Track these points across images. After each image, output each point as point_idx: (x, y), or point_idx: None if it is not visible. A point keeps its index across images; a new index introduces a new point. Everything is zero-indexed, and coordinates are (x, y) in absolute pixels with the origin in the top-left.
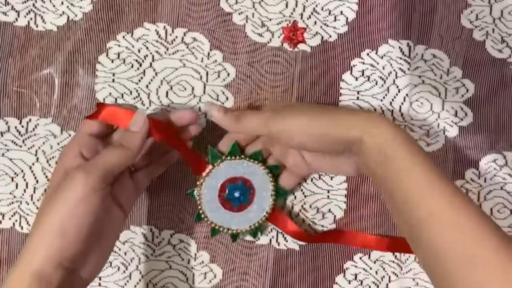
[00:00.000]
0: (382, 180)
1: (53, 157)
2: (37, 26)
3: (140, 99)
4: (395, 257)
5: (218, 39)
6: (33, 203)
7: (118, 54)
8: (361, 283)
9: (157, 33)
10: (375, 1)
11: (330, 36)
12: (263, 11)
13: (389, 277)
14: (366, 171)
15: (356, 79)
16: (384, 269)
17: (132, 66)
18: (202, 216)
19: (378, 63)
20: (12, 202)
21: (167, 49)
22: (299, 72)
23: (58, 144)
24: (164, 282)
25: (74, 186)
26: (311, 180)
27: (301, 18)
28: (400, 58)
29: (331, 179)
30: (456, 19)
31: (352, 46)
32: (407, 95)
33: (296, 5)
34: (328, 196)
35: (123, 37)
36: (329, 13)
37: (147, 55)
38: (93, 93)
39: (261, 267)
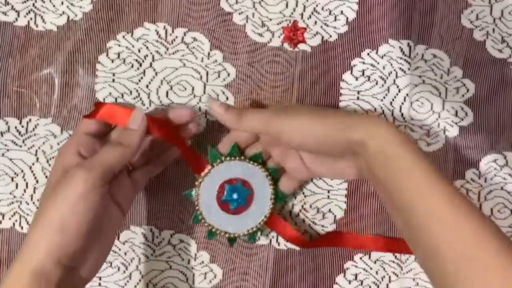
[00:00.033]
0: (383, 181)
1: (53, 157)
2: (37, 26)
3: (140, 99)
4: (395, 257)
5: (218, 39)
6: (33, 203)
7: (118, 54)
8: (361, 283)
9: (157, 33)
10: (375, 0)
11: (331, 36)
12: (263, 11)
13: (389, 277)
14: (367, 174)
15: (357, 79)
16: (384, 269)
17: (132, 66)
18: (200, 217)
19: (378, 63)
20: (12, 202)
21: (167, 49)
22: (299, 72)
23: (58, 144)
24: (164, 282)
25: (74, 184)
26: (311, 180)
27: (302, 18)
28: (401, 58)
29: (331, 179)
30: (456, 19)
31: (352, 46)
32: (407, 95)
33: (297, 5)
34: (328, 196)
35: (123, 37)
36: (330, 13)
37: (147, 55)
38: (93, 93)
39: (261, 267)
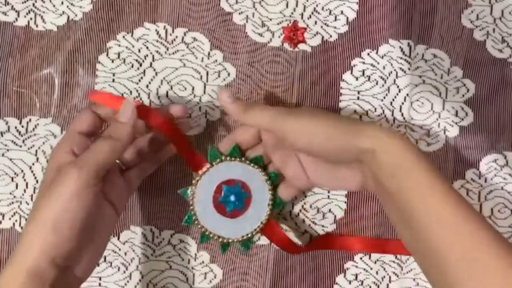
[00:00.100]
0: (390, 190)
1: None
2: (37, 26)
3: (140, 99)
4: (396, 257)
5: (219, 39)
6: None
7: (118, 54)
8: (362, 283)
9: (157, 33)
10: (376, 1)
11: (331, 36)
12: (264, 11)
13: (390, 277)
14: (372, 183)
15: (357, 79)
16: (384, 269)
17: (132, 66)
18: (193, 218)
19: (378, 63)
20: (12, 202)
21: (167, 49)
22: (300, 72)
23: None
24: (164, 282)
25: (67, 182)
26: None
27: (302, 18)
28: (401, 58)
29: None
30: (456, 19)
31: (352, 46)
32: (407, 95)
33: (297, 5)
34: (328, 196)
35: (123, 37)
36: (330, 13)
37: (147, 55)
38: None
39: (261, 267)
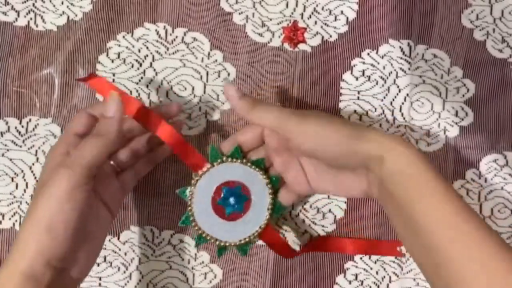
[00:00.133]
0: (397, 198)
1: None
2: (37, 26)
3: (141, 99)
4: (396, 257)
5: (218, 39)
6: None
7: (118, 54)
8: (362, 283)
9: (157, 33)
10: (376, 1)
11: (331, 36)
12: (264, 11)
13: (390, 277)
14: (378, 190)
15: (357, 79)
16: (384, 269)
17: (132, 66)
18: (191, 219)
19: (378, 63)
20: (12, 202)
21: (167, 49)
22: (300, 72)
23: None
24: (165, 282)
25: (58, 182)
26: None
27: (302, 18)
28: (401, 58)
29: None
30: (456, 19)
31: (352, 46)
32: (407, 95)
33: (297, 5)
34: (328, 196)
35: (123, 37)
36: (330, 13)
37: (147, 55)
38: (93, 93)
39: (261, 268)
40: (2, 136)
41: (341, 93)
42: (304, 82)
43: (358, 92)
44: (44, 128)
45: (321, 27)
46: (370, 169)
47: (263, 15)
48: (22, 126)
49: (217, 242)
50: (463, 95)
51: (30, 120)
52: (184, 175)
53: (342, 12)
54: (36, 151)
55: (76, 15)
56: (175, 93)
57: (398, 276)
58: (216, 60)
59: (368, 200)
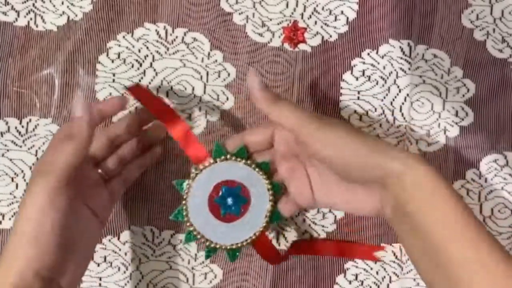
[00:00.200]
0: (415, 219)
1: None
2: (37, 26)
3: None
4: (396, 257)
5: (219, 39)
6: None
7: (119, 54)
8: (362, 284)
9: (157, 33)
10: (376, 1)
11: (331, 36)
12: (264, 11)
13: (390, 277)
14: (391, 211)
15: (357, 79)
16: (385, 269)
17: (132, 66)
18: (184, 213)
19: (378, 63)
20: (12, 203)
21: (168, 49)
22: (300, 72)
23: None
24: (165, 282)
25: (36, 191)
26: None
27: (302, 18)
28: (401, 58)
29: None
30: (456, 19)
31: (352, 46)
32: (407, 95)
33: (297, 5)
34: None
35: (123, 37)
36: (330, 13)
37: (147, 55)
38: (93, 93)
39: (262, 268)
40: (2, 136)
41: (341, 93)
42: (304, 82)
43: (358, 92)
44: (44, 129)
45: (321, 27)
46: (387, 186)
47: (263, 15)
48: (22, 126)
49: (207, 243)
50: (463, 95)
51: (30, 120)
52: (184, 175)
53: (342, 12)
54: (36, 151)
55: (76, 15)
56: (175, 93)
57: (398, 276)
58: (216, 60)
59: None
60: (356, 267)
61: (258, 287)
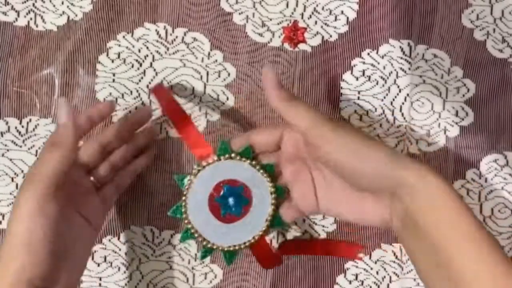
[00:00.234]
0: (425, 231)
1: None
2: (37, 26)
3: (141, 99)
4: (396, 257)
5: (219, 39)
6: None
7: (119, 54)
8: (362, 284)
9: (158, 33)
10: (376, 0)
11: (331, 36)
12: (264, 11)
13: (390, 277)
14: (399, 223)
15: (357, 79)
16: (385, 269)
17: (132, 66)
18: (182, 210)
19: (378, 63)
20: (12, 203)
21: (168, 49)
22: (300, 72)
23: None
24: (165, 282)
25: (26, 199)
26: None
27: (302, 18)
28: (401, 58)
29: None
30: (457, 19)
31: (352, 45)
32: (408, 95)
33: (297, 5)
34: None
35: (124, 37)
36: (330, 13)
37: (147, 55)
38: (93, 93)
39: (262, 268)
40: (2, 136)
41: (341, 93)
42: (304, 82)
43: (359, 92)
44: (44, 129)
45: (321, 27)
46: (398, 197)
47: (263, 15)
48: (22, 126)
49: (204, 242)
50: (463, 95)
51: (30, 120)
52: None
53: (342, 12)
54: (36, 151)
55: (76, 15)
56: (175, 93)
57: (398, 276)
58: (216, 60)
59: None
60: (356, 267)
61: (258, 287)
